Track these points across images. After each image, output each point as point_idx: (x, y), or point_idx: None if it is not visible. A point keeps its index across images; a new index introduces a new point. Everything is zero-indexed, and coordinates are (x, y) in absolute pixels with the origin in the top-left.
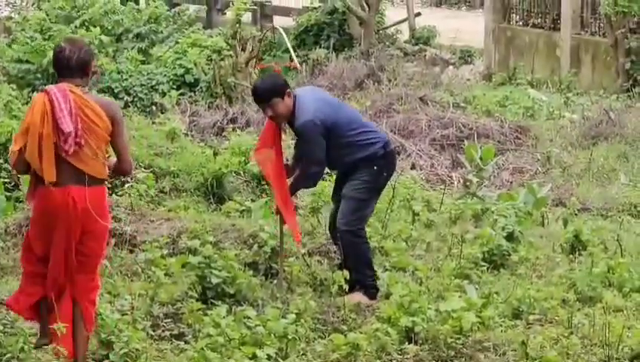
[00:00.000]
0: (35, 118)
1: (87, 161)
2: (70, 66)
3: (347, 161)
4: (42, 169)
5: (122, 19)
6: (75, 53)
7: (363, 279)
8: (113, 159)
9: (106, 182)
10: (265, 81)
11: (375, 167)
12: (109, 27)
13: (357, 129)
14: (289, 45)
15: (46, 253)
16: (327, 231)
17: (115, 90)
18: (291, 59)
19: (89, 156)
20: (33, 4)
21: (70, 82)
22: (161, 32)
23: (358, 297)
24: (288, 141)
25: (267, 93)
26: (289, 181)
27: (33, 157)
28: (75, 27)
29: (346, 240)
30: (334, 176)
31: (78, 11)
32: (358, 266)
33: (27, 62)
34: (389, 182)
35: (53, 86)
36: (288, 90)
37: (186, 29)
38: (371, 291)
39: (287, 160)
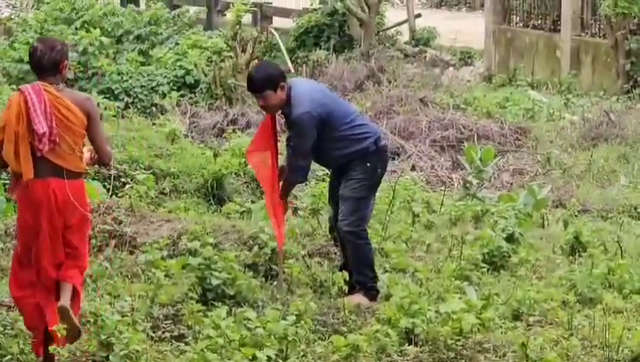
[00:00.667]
0: (11, 117)
1: (64, 157)
2: (42, 66)
3: (338, 155)
4: (20, 167)
5: (122, 21)
6: (47, 53)
7: (364, 280)
8: (88, 153)
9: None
10: (259, 71)
11: (368, 164)
12: (109, 29)
13: (351, 123)
14: (282, 48)
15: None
16: (328, 233)
17: (116, 92)
18: (286, 62)
19: (66, 152)
20: (32, 7)
21: (44, 81)
22: (161, 33)
23: (359, 298)
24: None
25: (260, 84)
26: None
27: (10, 156)
28: (76, 28)
29: (348, 242)
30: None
31: (77, 13)
32: (360, 267)
33: (28, 62)
34: (389, 184)
35: (28, 85)
36: (282, 83)
37: (186, 31)
38: (372, 292)
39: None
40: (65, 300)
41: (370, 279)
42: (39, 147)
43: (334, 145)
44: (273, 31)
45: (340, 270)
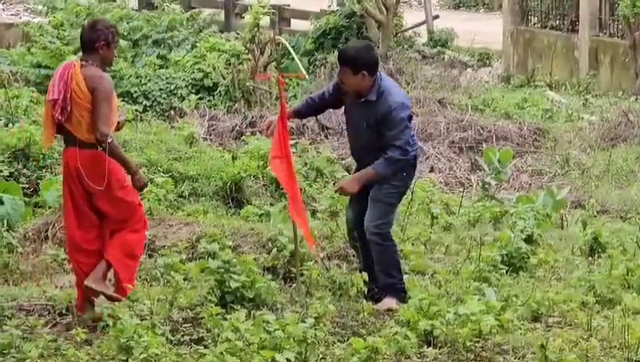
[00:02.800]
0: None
1: (76, 127)
2: (81, 43)
3: (375, 156)
4: (44, 132)
5: (140, 26)
6: (85, 32)
7: (393, 282)
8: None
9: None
10: (352, 49)
11: (405, 173)
12: (125, 33)
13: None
14: (294, 55)
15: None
16: (346, 235)
17: (134, 95)
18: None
19: (77, 122)
20: (47, 14)
21: (83, 57)
22: (177, 35)
23: (389, 302)
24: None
25: (343, 58)
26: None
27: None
28: None
29: (374, 244)
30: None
31: (93, 18)
32: (390, 270)
33: (46, 67)
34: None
35: (67, 61)
36: (364, 71)
37: (201, 32)
38: (401, 294)
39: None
40: (92, 276)
41: (398, 281)
42: (53, 113)
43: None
44: (282, 39)
45: (360, 272)
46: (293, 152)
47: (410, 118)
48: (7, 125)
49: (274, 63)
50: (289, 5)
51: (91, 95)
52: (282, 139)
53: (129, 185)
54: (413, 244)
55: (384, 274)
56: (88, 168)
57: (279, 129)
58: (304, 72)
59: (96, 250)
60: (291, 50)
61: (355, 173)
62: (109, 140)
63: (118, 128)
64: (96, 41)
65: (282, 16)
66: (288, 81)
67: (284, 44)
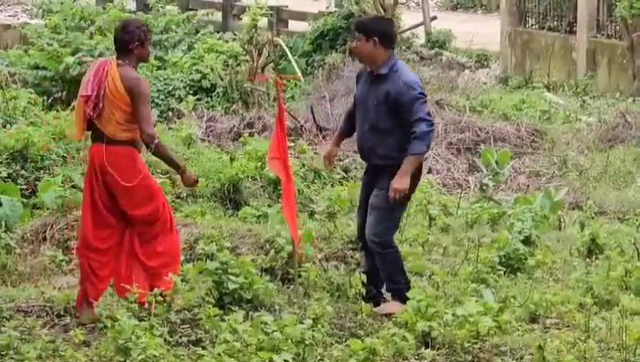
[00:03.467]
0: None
1: (105, 124)
2: (115, 44)
3: (384, 154)
4: (74, 126)
5: None
6: (118, 34)
7: (399, 288)
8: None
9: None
10: (368, 18)
11: None
12: None
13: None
14: (291, 57)
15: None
16: (358, 238)
17: None
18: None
19: (106, 119)
20: (43, 17)
21: (117, 58)
22: (173, 37)
23: (393, 307)
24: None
25: (358, 24)
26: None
27: (73, 117)
28: (91, 33)
29: (376, 252)
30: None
31: (87, 20)
32: (394, 275)
33: (44, 68)
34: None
35: (103, 58)
36: (375, 37)
37: (197, 33)
38: (404, 298)
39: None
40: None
41: (404, 285)
42: (85, 109)
43: (392, 139)
44: (280, 41)
45: (361, 274)
46: (291, 154)
47: (424, 95)
48: (5, 126)
49: (272, 65)
50: (287, 6)
51: (128, 96)
52: (280, 139)
53: (154, 185)
54: (411, 245)
55: (389, 280)
56: (114, 165)
57: (277, 130)
58: (299, 74)
59: (108, 249)
60: (288, 52)
61: (363, 159)
62: (156, 141)
63: None
64: (129, 43)
65: (280, 18)
66: (286, 82)
67: (281, 45)
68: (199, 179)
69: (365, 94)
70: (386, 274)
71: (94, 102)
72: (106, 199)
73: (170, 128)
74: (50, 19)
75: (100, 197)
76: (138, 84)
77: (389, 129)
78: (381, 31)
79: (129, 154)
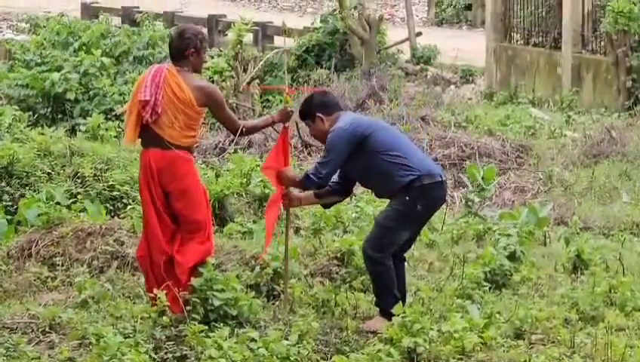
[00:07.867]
0: (135, 89)
1: (163, 128)
2: (170, 51)
3: (379, 184)
4: (126, 131)
5: (120, 41)
6: (174, 40)
7: (386, 307)
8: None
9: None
10: (302, 104)
11: (407, 198)
12: (107, 49)
13: (395, 156)
14: (285, 71)
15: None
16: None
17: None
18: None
19: (166, 124)
20: (30, 32)
21: (174, 64)
22: (160, 52)
23: (377, 325)
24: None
25: (300, 115)
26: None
27: (126, 121)
28: (74, 50)
29: (367, 265)
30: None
31: (74, 36)
32: (382, 293)
33: (27, 86)
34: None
35: (158, 64)
36: (318, 113)
37: None
38: (391, 314)
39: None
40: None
41: (391, 305)
42: (143, 114)
43: (375, 172)
44: (284, 54)
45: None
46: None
47: (350, 139)
48: None
49: (257, 81)
50: (272, 22)
51: (197, 102)
52: (283, 151)
53: (204, 197)
54: None
55: (377, 296)
56: (172, 168)
57: (281, 140)
58: (286, 88)
59: (167, 251)
60: (284, 67)
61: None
62: (243, 129)
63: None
64: (185, 49)
65: (265, 34)
66: (271, 97)
67: (282, 55)
68: (289, 108)
69: None
70: (374, 288)
71: (152, 107)
72: (163, 202)
73: None
74: (34, 36)
75: (159, 199)
76: (212, 91)
77: (372, 171)
78: (318, 105)
79: (187, 159)
